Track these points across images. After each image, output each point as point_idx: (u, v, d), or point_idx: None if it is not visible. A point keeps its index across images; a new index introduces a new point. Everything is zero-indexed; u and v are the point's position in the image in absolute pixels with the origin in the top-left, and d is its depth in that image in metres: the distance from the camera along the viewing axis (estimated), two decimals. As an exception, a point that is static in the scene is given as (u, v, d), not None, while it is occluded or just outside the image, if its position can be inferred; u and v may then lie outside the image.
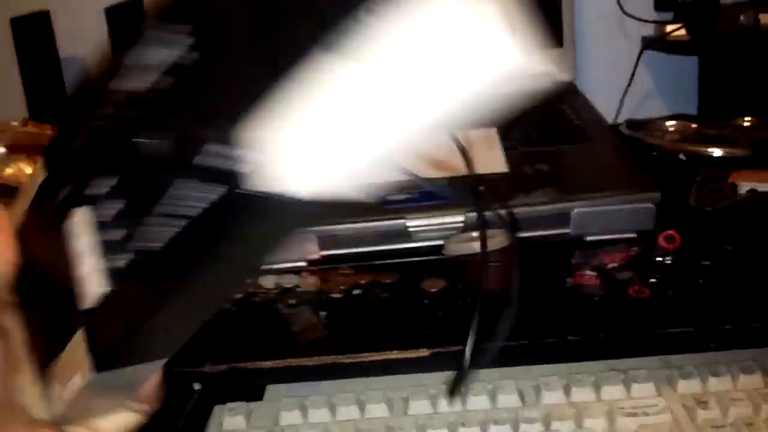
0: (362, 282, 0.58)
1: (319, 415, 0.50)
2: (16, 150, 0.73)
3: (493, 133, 0.64)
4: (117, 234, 0.24)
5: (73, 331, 0.25)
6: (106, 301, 0.24)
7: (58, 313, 0.26)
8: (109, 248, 0.24)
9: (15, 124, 0.75)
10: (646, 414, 0.45)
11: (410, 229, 0.58)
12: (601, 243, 0.55)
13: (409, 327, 0.51)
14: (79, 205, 0.25)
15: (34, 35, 0.86)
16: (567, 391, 0.48)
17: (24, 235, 0.28)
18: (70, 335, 0.26)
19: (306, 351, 0.49)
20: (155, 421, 0.52)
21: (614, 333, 0.46)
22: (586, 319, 0.48)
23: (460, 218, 0.57)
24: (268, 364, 0.49)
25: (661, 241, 0.50)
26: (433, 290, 0.55)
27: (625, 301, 0.49)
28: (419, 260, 0.58)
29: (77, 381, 0.26)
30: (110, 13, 0.84)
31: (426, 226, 0.58)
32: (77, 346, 0.25)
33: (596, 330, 0.46)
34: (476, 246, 0.53)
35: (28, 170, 0.72)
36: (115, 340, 0.25)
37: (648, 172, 0.58)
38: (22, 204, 0.29)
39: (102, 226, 0.25)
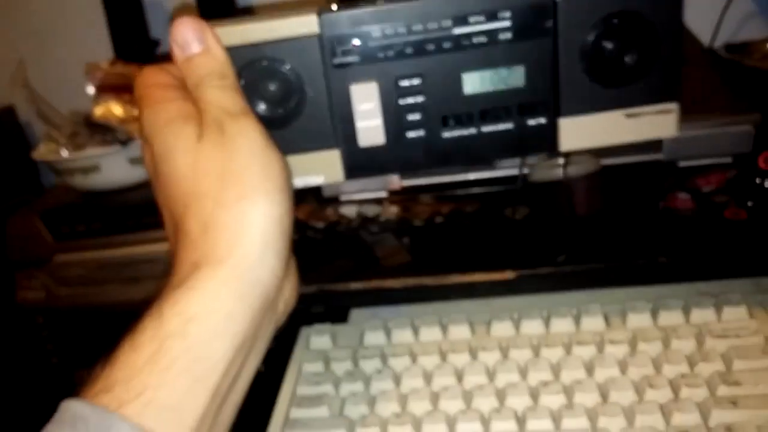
0: (444, 211, 0.58)
1: (402, 336, 0.51)
2: (105, 90, 0.76)
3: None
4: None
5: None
6: None
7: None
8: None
9: (104, 64, 0.78)
10: (738, 336, 0.44)
11: (493, 158, 0.57)
12: (694, 168, 0.53)
13: (493, 251, 0.51)
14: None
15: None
16: (654, 314, 0.47)
17: None
18: None
19: (390, 273, 0.50)
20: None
21: (707, 255, 0.44)
22: (677, 241, 0.46)
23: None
24: (354, 285, 0.50)
25: (762, 162, 0.48)
26: (517, 217, 0.55)
27: (720, 223, 0.47)
28: (502, 189, 0.58)
29: None
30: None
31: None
32: None
33: (688, 252, 0.45)
34: (562, 173, 0.52)
35: (117, 109, 0.75)
36: None
37: (747, 95, 0.55)
38: None
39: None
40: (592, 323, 0.48)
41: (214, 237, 0.31)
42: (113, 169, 0.76)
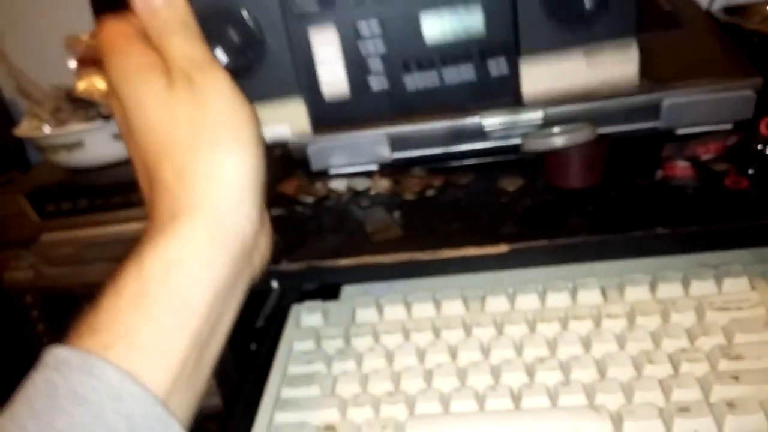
0: (436, 183, 0.56)
1: (394, 312, 0.50)
2: (87, 63, 0.74)
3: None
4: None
5: None
6: None
7: None
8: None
9: (84, 37, 0.75)
10: (739, 308, 0.43)
11: (486, 129, 0.56)
12: (692, 135, 0.51)
13: (487, 225, 0.49)
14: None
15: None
16: (653, 287, 0.46)
17: None
18: None
19: (382, 249, 0.49)
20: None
21: (707, 225, 0.43)
22: (676, 211, 0.45)
23: (539, 114, 0.54)
24: (344, 262, 0.49)
25: (763, 127, 0.46)
26: (511, 189, 0.53)
27: (720, 192, 0.45)
28: (495, 160, 0.56)
29: None
30: None
31: (503, 124, 0.55)
32: None
33: (687, 222, 0.43)
34: (556, 142, 0.50)
35: (101, 83, 0.73)
36: None
37: (747, 59, 0.53)
38: None
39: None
40: (589, 297, 0.47)
41: (189, 185, 0.31)
42: (97, 145, 0.74)
